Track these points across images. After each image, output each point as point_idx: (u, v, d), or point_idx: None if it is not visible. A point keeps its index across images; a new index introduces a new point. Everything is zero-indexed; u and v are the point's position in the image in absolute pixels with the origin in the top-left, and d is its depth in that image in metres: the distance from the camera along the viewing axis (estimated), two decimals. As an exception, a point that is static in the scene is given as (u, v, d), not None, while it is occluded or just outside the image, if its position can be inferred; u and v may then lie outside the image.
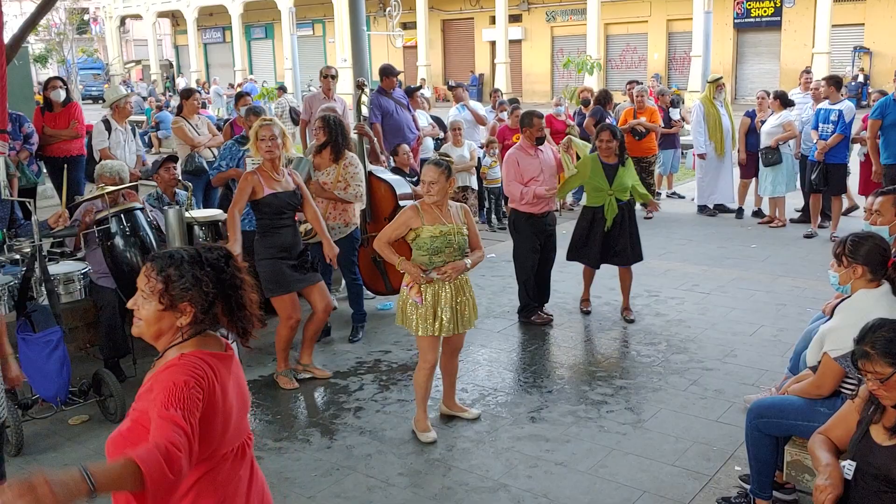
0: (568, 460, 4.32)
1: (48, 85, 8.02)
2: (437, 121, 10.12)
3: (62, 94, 7.82)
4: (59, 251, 5.16)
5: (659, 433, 4.60)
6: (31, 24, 7.35)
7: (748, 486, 3.79)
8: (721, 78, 10.73)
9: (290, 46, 23.59)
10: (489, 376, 5.53)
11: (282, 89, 19.82)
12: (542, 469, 4.24)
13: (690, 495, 3.96)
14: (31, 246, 4.61)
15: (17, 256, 4.88)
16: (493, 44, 35.32)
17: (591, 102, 10.88)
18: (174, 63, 47.14)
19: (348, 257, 6.26)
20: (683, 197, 11.66)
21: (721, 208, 10.58)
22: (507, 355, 5.93)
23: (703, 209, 10.62)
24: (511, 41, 34.30)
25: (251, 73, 39.90)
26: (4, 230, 5.13)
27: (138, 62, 45.45)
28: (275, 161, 5.15)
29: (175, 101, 24.85)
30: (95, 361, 5.61)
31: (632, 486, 4.05)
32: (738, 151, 10.04)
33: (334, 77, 8.85)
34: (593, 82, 24.33)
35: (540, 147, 6.34)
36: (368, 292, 6.94)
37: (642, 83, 12.06)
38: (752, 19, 30.36)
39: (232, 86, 30.43)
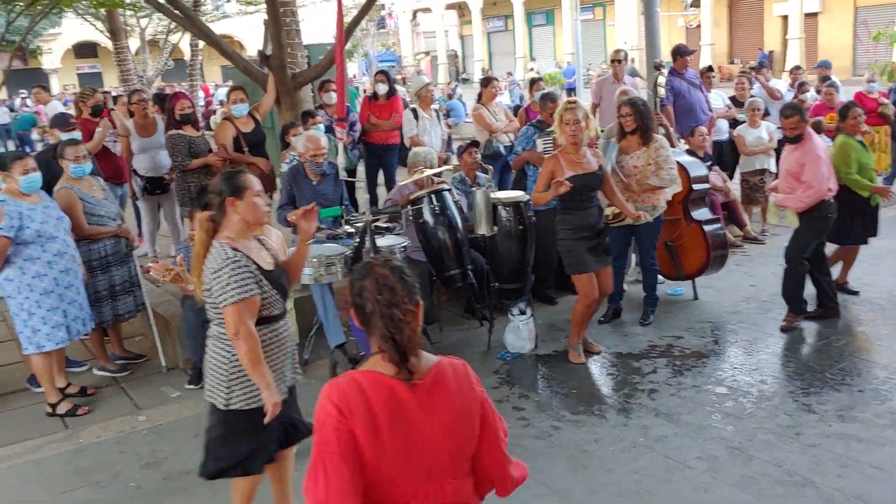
0: (886, 464, 4.04)
1: (374, 78, 8.90)
2: (734, 101, 9.72)
3: (383, 88, 8.60)
4: (384, 226, 5.73)
5: None
6: (357, 21, 8.15)
7: None
8: None
9: (571, 31, 23.79)
10: (792, 370, 5.30)
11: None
12: (855, 470, 4.01)
13: None
14: (363, 221, 5.20)
15: (352, 230, 5.53)
16: (784, 18, 32.84)
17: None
18: (459, 53, 49.40)
19: (651, 241, 6.26)
20: None
21: None
22: (810, 349, 5.62)
23: None
24: (806, 14, 31.69)
25: (532, 59, 40.74)
26: (342, 206, 5.85)
27: (427, 53, 48.24)
28: (578, 144, 5.31)
29: (461, 90, 26.17)
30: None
31: (965, 499, 3.72)
32: None
33: (622, 61, 8.92)
34: (906, 56, 21.75)
35: None
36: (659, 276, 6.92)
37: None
38: None
39: (510, 73, 31.34)
